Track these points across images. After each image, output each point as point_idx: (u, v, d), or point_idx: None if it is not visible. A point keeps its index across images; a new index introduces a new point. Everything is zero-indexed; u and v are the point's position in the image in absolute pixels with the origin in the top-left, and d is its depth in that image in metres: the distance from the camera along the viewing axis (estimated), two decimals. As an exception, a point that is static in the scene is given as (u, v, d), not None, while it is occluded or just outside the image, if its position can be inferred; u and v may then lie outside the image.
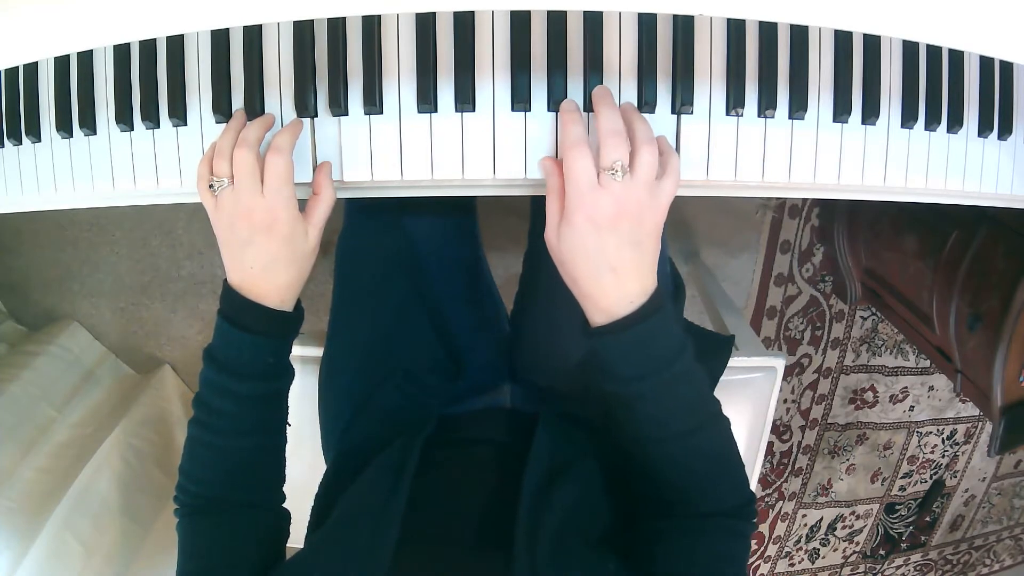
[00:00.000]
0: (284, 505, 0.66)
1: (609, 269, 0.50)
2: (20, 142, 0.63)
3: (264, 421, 0.60)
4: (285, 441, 0.64)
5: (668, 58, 0.55)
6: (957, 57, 0.61)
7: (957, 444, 2.02)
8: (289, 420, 0.64)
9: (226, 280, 0.56)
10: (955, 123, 0.61)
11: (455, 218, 0.84)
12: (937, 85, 0.60)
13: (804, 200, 1.57)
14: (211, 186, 0.53)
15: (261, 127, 0.54)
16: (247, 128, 0.53)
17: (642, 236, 0.50)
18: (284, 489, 0.66)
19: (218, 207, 0.53)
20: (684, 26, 0.55)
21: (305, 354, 0.93)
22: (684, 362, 0.53)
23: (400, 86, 0.56)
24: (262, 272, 0.54)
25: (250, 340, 0.55)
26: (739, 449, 0.59)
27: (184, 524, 0.59)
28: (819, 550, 2.15)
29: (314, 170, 0.57)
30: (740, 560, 0.55)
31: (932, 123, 0.60)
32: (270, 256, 0.53)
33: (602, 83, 0.55)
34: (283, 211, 0.52)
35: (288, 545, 0.65)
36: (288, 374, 0.61)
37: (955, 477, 2.08)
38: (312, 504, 0.70)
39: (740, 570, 0.55)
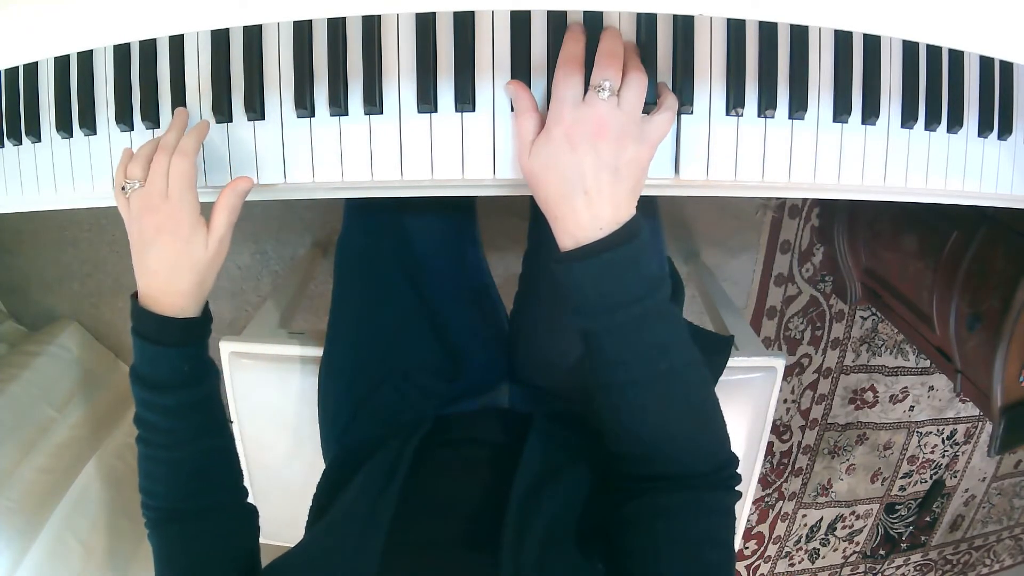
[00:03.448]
0: (251, 501, 0.67)
1: (582, 191, 0.49)
2: (20, 142, 0.64)
3: (201, 426, 0.60)
4: (232, 441, 0.65)
5: (668, 58, 0.55)
6: (957, 57, 0.61)
7: (957, 444, 2.02)
8: (231, 417, 0.65)
9: (133, 297, 0.57)
10: (955, 123, 0.61)
11: (455, 218, 0.84)
12: (937, 85, 0.60)
13: (804, 200, 1.57)
14: (123, 188, 0.55)
15: (178, 131, 0.55)
16: (166, 135, 0.55)
17: (621, 163, 0.49)
18: (280, 487, 0.66)
19: (129, 208, 0.55)
20: (684, 26, 0.55)
21: (305, 354, 0.93)
22: (657, 299, 0.50)
23: (400, 86, 0.56)
24: (166, 277, 0.55)
25: (162, 352, 0.57)
26: (731, 434, 0.55)
27: (153, 535, 0.61)
28: (819, 550, 2.15)
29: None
30: (720, 540, 0.52)
31: (932, 123, 0.60)
32: (172, 258, 0.55)
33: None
34: (185, 214, 0.54)
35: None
36: (209, 377, 0.61)
37: (955, 477, 2.08)
38: (311, 504, 0.70)
39: (722, 552, 0.51)
